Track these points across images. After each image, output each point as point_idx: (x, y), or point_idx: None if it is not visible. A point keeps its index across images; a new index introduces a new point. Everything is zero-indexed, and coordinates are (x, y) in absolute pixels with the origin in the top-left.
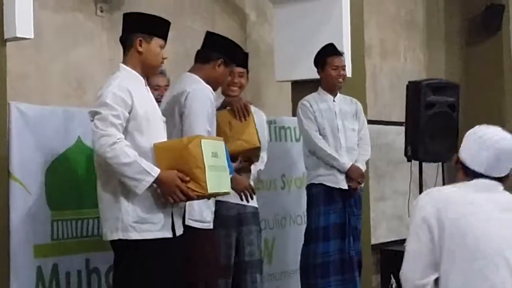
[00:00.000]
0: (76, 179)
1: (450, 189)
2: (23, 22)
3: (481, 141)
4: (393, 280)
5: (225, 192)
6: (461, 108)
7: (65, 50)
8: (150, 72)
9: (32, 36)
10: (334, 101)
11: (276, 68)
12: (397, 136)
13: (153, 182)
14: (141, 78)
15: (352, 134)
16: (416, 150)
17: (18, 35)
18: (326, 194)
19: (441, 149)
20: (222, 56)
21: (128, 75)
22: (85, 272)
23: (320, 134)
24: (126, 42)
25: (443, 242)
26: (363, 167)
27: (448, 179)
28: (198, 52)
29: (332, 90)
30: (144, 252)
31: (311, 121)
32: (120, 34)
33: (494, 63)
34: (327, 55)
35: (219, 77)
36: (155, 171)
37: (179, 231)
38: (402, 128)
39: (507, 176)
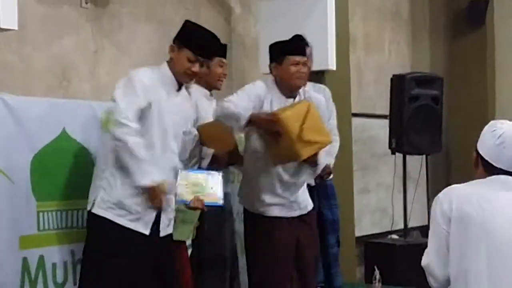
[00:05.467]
0: (61, 170)
1: (470, 186)
2: (7, 13)
3: (500, 140)
4: (376, 272)
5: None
6: (445, 101)
7: (49, 41)
8: (180, 80)
9: (16, 28)
10: None
11: (261, 61)
12: (381, 129)
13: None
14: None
15: None
16: (400, 143)
17: (2, 26)
18: None
19: (425, 142)
20: (272, 58)
21: (159, 73)
22: (71, 263)
23: None
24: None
25: (460, 237)
26: (331, 160)
27: (432, 171)
28: None
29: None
30: (108, 234)
31: None
32: (105, 25)
33: (478, 57)
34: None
35: (282, 74)
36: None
37: (163, 232)
38: (386, 121)
39: None
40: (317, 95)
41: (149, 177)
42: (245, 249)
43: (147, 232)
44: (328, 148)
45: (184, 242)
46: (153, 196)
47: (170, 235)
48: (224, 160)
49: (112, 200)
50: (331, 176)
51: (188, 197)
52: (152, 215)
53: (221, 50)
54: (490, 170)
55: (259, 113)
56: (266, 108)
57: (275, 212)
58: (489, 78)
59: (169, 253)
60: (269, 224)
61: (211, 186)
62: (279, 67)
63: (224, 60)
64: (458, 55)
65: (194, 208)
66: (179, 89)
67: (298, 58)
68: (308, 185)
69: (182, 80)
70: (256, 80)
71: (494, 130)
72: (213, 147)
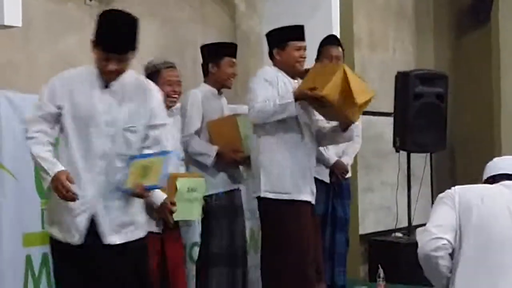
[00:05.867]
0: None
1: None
2: (11, 10)
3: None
4: (380, 270)
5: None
6: (449, 99)
7: (53, 38)
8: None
9: (21, 24)
10: None
11: (265, 58)
12: (385, 127)
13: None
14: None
15: None
16: (404, 141)
17: (6, 23)
18: None
19: (429, 140)
20: (275, 44)
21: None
22: None
23: None
24: None
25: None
26: (350, 161)
27: (436, 169)
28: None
29: None
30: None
31: None
32: None
33: (483, 55)
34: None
35: (287, 58)
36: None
37: (109, 240)
38: (391, 119)
39: None
40: None
41: (51, 171)
42: (266, 238)
43: (77, 241)
44: (346, 147)
45: (179, 240)
46: (55, 187)
47: (128, 242)
48: (229, 157)
49: (48, 214)
50: (349, 175)
51: (129, 185)
52: (81, 222)
53: (231, 50)
54: (497, 180)
55: (300, 91)
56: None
57: (305, 196)
58: (494, 76)
59: (125, 262)
60: (299, 209)
61: (156, 169)
62: (281, 52)
63: (234, 60)
64: (463, 53)
65: (136, 195)
66: (107, 86)
67: (299, 44)
68: (324, 183)
69: (106, 78)
70: (260, 69)
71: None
72: (218, 143)
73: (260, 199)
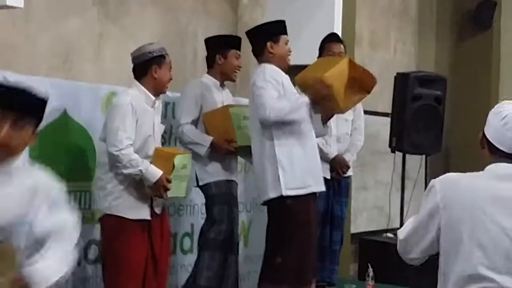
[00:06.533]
0: (61, 151)
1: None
2: None
3: (504, 121)
4: (370, 269)
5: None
6: (447, 102)
7: (54, 21)
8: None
9: (22, 5)
10: None
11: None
12: (382, 127)
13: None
14: None
15: (344, 124)
16: (400, 142)
17: (8, 3)
18: None
19: (425, 142)
20: (268, 37)
21: None
22: None
23: None
24: None
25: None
26: (351, 157)
27: (431, 171)
28: (253, 50)
29: None
30: None
31: None
32: (110, 8)
33: (483, 59)
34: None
35: (282, 52)
36: None
37: None
38: (388, 119)
39: None
40: None
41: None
42: (277, 235)
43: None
44: (349, 146)
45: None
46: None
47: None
48: (223, 147)
49: None
50: (350, 173)
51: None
52: None
53: (237, 42)
54: (494, 151)
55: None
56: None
57: (321, 186)
58: (493, 81)
59: None
60: (313, 201)
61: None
62: (275, 46)
63: (239, 52)
64: (464, 56)
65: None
66: None
67: (287, 38)
68: (325, 179)
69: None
70: (262, 67)
71: (500, 111)
72: (212, 134)
73: (276, 199)
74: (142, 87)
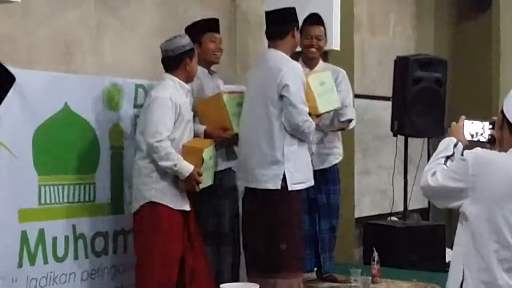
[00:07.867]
0: (63, 144)
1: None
2: None
3: None
4: (375, 253)
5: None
6: (448, 84)
7: (53, 14)
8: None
9: None
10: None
11: (266, 39)
12: (383, 111)
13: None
14: None
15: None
16: (402, 125)
17: None
18: None
19: (427, 125)
20: (294, 23)
21: None
22: (72, 237)
23: None
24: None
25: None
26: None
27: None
28: (269, 31)
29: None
30: None
31: None
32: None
33: (483, 40)
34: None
35: (297, 43)
36: None
37: None
38: (389, 103)
39: None
40: None
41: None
42: (274, 227)
43: None
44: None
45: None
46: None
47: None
48: (218, 135)
49: None
50: (337, 160)
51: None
52: None
53: (211, 25)
54: None
55: None
56: None
57: (311, 182)
58: (494, 62)
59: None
60: (299, 196)
61: None
62: (296, 33)
63: (216, 34)
64: (463, 38)
65: None
66: None
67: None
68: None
69: None
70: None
71: None
72: (207, 123)
73: (276, 190)
74: (177, 79)
